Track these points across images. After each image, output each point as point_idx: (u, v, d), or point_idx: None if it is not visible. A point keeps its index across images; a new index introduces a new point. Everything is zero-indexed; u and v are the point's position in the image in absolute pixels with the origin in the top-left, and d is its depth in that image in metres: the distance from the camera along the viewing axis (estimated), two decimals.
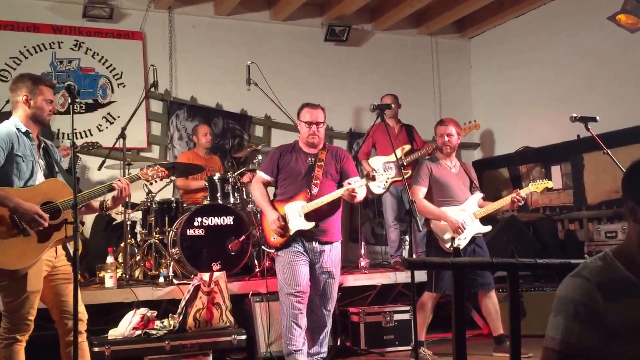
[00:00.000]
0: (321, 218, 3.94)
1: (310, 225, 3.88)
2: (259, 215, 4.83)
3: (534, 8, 6.77)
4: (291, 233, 3.91)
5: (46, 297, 3.19)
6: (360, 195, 3.90)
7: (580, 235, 5.98)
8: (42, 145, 3.24)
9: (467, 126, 5.68)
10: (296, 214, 3.91)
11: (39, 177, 3.14)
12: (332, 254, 4.02)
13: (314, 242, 3.97)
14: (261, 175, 4.13)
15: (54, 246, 3.15)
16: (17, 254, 2.97)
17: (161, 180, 3.74)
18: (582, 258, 4.92)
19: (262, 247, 4.21)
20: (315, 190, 3.95)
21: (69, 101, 3.10)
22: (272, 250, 4.10)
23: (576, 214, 6.10)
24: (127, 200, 4.91)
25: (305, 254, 3.97)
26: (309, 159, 4.02)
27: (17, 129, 3.09)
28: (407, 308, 4.89)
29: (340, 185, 4.01)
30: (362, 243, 5.70)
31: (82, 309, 3.22)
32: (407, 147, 5.88)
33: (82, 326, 3.23)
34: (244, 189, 5.38)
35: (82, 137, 6.00)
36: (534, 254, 5.47)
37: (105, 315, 4.53)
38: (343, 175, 4.06)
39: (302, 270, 3.94)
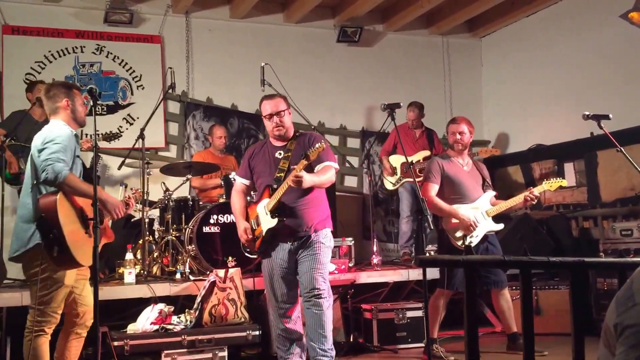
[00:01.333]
0: (289, 212, 3.57)
1: (274, 222, 3.55)
2: None
3: (545, 7, 6.78)
4: (264, 234, 3.61)
5: None
6: (309, 179, 3.44)
7: (595, 233, 5.93)
8: None
9: (486, 149, 5.71)
10: (264, 213, 3.61)
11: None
12: (310, 243, 3.61)
13: (288, 243, 3.62)
14: (239, 181, 3.87)
15: None
16: (87, 252, 3.16)
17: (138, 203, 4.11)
18: (597, 256, 4.91)
19: (246, 253, 3.90)
20: (276, 184, 3.59)
21: (91, 103, 3.27)
22: (255, 256, 3.91)
23: (590, 211, 6.05)
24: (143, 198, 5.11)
25: (283, 259, 3.64)
26: (278, 152, 3.69)
27: (72, 132, 3.27)
28: (420, 305, 4.91)
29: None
30: (375, 240, 5.77)
31: (60, 312, 3.32)
32: (426, 153, 5.98)
33: (89, 321, 3.37)
34: None
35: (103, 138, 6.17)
36: (547, 252, 5.47)
37: (125, 310, 4.64)
38: (315, 162, 3.59)
39: (281, 282, 3.67)
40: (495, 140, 7.57)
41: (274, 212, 3.56)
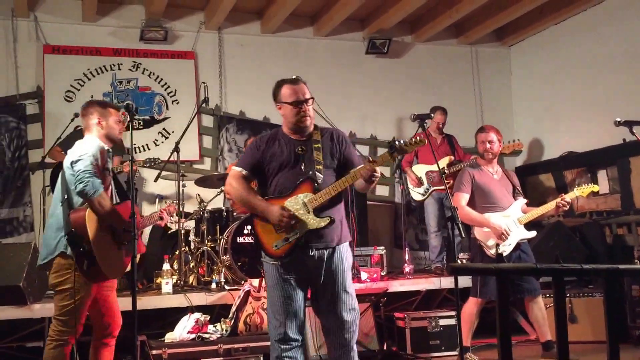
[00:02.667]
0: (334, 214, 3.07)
1: (325, 221, 2.98)
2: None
3: (573, 14, 6.76)
4: (299, 236, 2.99)
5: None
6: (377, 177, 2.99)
7: (629, 239, 5.86)
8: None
9: (509, 145, 5.64)
10: (303, 210, 3.00)
11: (110, 191, 3.42)
12: (334, 258, 3.06)
13: (308, 251, 3.02)
14: (237, 169, 3.17)
15: None
16: (118, 266, 3.30)
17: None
18: (633, 263, 4.83)
19: (262, 261, 3.15)
20: (320, 178, 3.03)
21: (128, 119, 3.38)
22: (277, 262, 3.04)
23: (624, 218, 5.97)
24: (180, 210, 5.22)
25: (297, 270, 3.04)
26: (299, 147, 3.11)
27: (102, 146, 3.34)
28: (453, 313, 4.90)
29: (340, 175, 3.10)
30: (406, 249, 5.80)
31: (119, 315, 3.44)
32: (448, 159, 5.98)
33: (116, 330, 3.45)
34: None
35: (140, 152, 6.36)
36: (581, 259, 5.42)
37: (163, 319, 4.77)
38: (345, 163, 3.16)
39: (296, 301, 3.03)
40: (527, 148, 7.54)
41: (319, 211, 3.00)
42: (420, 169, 6.12)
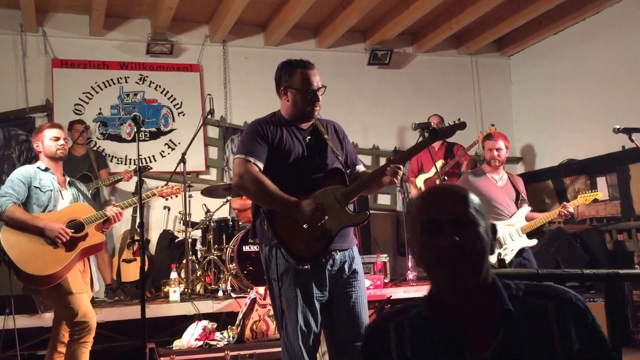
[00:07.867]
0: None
1: (363, 216, 2.70)
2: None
3: (572, 24, 6.85)
4: (334, 232, 2.60)
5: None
6: None
7: (629, 245, 5.93)
8: (68, 181, 3.77)
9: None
10: (334, 204, 2.62)
11: (63, 204, 3.64)
12: (355, 261, 2.75)
13: (331, 253, 2.66)
14: (257, 162, 2.69)
15: (83, 255, 3.61)
16: (48, 262, 3.43)
17: (176, 197, 4.27)
18: (633, 268, 4.87)
19: (291, 264, 2.63)
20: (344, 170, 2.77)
21: (135, 130, 3.50)
22: (306, 266, 2.61)
23: (624, 224, 6.04)
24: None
25: (318, 276, 2.64)
26: (307, 137, 2.77)
27: (38, 167, 3.62)
28: None
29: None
30: (409, 257, 5.85)
31: (91, 315, 3.51)
32: (440, 162, 6.03)
33: (90, 337, 3.51)
34: None
35: (147, 162, 6.46)
36: (582, 265, 5.48)
37: (170, 327, 4.85)
38: (348, 159, 2.90)
39: (318, 316, 2.65)
40: (525, 155, 7.62)
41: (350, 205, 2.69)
42: (420, 180, 6.20)
